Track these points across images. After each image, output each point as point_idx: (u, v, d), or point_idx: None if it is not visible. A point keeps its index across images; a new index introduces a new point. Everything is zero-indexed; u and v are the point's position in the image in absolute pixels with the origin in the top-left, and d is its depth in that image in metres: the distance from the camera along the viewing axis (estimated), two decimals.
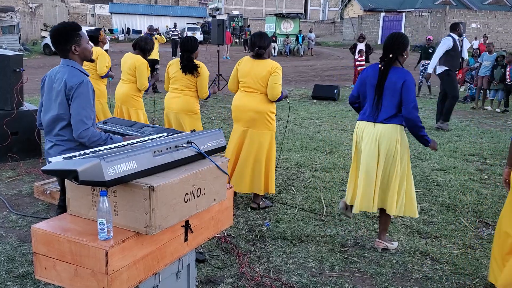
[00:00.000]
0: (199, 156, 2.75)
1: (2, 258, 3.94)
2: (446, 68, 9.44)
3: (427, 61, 14.90)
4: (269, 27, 33.52)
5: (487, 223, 4.99)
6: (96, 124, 3.34)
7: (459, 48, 9.66)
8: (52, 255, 2.35)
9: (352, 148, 4.37)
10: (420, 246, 4.38)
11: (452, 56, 9.42)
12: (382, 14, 42.21)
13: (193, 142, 2.70)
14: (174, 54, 27.48)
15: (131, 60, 6.20)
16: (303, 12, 57.10)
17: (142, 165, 2.35)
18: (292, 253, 4.19)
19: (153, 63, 13.18)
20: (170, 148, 2.56)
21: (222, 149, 3.00)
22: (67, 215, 2.56)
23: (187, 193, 2.55)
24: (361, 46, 16.01)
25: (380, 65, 4.05)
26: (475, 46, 20.89)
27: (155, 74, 7.31)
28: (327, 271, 3.91)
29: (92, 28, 6.93)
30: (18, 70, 6.71)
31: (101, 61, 6.76)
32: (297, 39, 33.72)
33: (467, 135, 9.37)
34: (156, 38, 15.08)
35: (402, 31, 39.93)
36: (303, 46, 34.11)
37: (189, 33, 41.23)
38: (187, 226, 2.72)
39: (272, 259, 4.07)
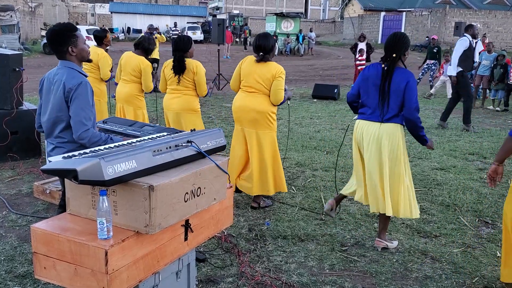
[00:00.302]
0: (199, 156, 2.75)
1: (2, 258, 3.94)
2: (461, 69, 9.34)
3: (432, 61, 14.95)
4: (270, 27, 33.51)
5: (487, 222, 4.99)
6: (96, 123, 3.33)
7: (473, 49, 9.59)
8: (51, 254, 2.35)
9: (352, 147, 4.37)
10: (420, 245, 4.38)
11: (467, 57, 9.33)
12: (383, 13, 42.18)
13: (193, 142, 2.70)
14: None
15: (135, 61, 6.17)
16: (303, 11, 57.05)
17: (141, 165, 2.35)
18: (292, 252, 4.19)
19: (153, 63, 13.17)
20: (170, 147, 2.56)
21: (222, 148, 3.00)
22: (67, 215, 2.56)
23: (187, 193, 2.55)
24: (362, 45, 16.01)
25: (383, 65, 4.04)
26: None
27: (154, 74, 7.33)
28: (327, 270, 3.91)
29: (99, 28, 6.92)
30: (17, 69, 6.71)
31: (104, 65, 6.74)
32: (297, 39, 33.72)
33: (467, 134, 9.37)
34: (156, 38, 15.08)
35: (402, 30, 39.93)
36: (304, 45, 34.10)
37: (190, 32, 41.24)
38: (187, 226, 2.72)
39: (272, 258, 4.07)
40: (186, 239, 2.74)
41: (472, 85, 13.98)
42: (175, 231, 2.64)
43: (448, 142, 8.54)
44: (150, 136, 2.98)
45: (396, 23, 40.77)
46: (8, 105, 6.67)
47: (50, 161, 2.44)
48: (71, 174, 2.17)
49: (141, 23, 47.46)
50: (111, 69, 6.98)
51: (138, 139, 2.90)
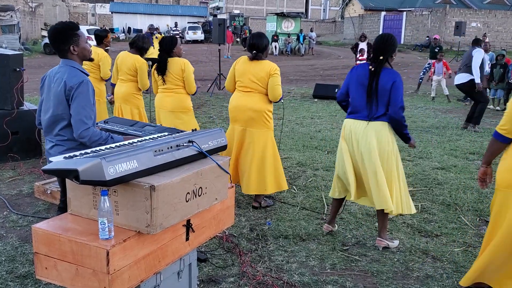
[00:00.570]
0: (201, 155, 2.74)
1: (3, 258, 3.94)
2: (473, 77, 9.46)
3: (433, 61, 14.96)
4: (270, 26, 33.52)
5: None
6: (97, 123, 3.33)
7: (484, 61, 9.97)
8: (53, 255, 2.34)
9: (339, 146, 4.39)
10: (421, 245, 4.37)
11: (480, 68, 9.55)
12: (383, 13, 42.15)
13: (194, 141, 2.70)
14: None
15: (131, 60, 6.20)
16: (304, 11, 57.07)
17: (143, 165, 2.34)
18: (293, 252, 4.19)
19: (153, 63, 13.17)
20: (171, 147, 2.56)
21: (223, 148, 3.00)
22: (68, 215, 2.55)
23: (188, 193, 2.54)
24: (362, 45, 16.01)
25: (370, 67, 4.11)
26: None
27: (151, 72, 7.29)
28: (329, 270, 3.91)
29: (99, 28, 6.92)
30: (18, 69, 6.71)
31: (104, 64, 6.76)
32: (298, 39, 33.72)
33: (468, 133, 9.37)
34: (156, 38, 15.08)
35: (403, 30, 39.95)
36: (304, 45, 34.09)
37: (190, 32, 41.28)
38: (188, 226, 2.71)
39: (273, 258, 4.07)
40: (187, 239, 2.74)
41: None
42: (177, 231, 2.64)
43: (449, 142, 8.54)
44: (151, 136, 2.97)
45: (397, 22, 40.75)
46: (8, 106, 6.67)
47: (51, 161, 2.44)
48: (73, 174, 2.17)
49: (141, 23, 47.47)
50: (111, 68, 7.00)
51: (139, 139, 2.90)
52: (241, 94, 5.00)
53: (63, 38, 3.17)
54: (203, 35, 41.65)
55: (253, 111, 4.92)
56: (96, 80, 6.75)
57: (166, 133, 3.11)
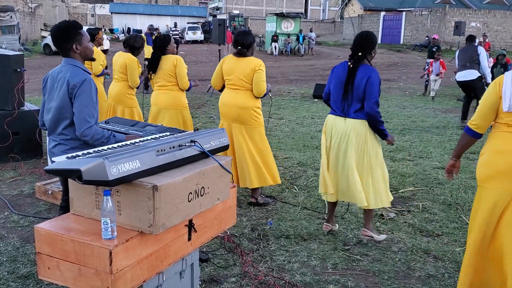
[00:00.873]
0: (203, 155, 2.75)
1: (4, 259, 3.94)
2: (480, 74, 9.55)
3: (431, 60, 14.95)
4: (270, 27, 33.50)
5: None
6: (98, 123, 3.33)
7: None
8: (55, 255, 2.35)
9: (321, 142, 4.45)
10: (422, 244, 4.37)
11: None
12: (382, 13, 42.16)
13: (196, 141, 2.70)
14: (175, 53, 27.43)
15: (122, 58, 6.26)
16: (303, 11, 57.04)
17: (145, 164, 2.35)
18: (295, 252, 4.19)
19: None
20: (173, 147, 2.56)
21: (225, 148, 3.00)
22: (70, 215, 2.56)
23: (190, 192, 2.54)
24: None
25: (349, 63, 4.19)
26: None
27: (144, 71, 7.28)
28: (330, 269, 3.91)
29: (93, 27, 6.96)
30: (19, 70, 6.71)
31: (96, 60, 6.77)
32: (297, 39, 33.70)
33: None
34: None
35: (402, 30, 39.95)
36: (304, 45, 34.07)
37: (190, 33, 41.25)
38: (190, 225, 2.71)
39: (275, 258, 4.06)
40: (189, 239, 2.74)
41: None
42: (179, 231, 2.64)
43: (449, 141, 8.53)
44: (153, 136, 2.97)
45: (396, 22, 40.77)
46: (9, 106, 6.67)
47: (53, 160, 2.44)
48: (75, 174, 2.17)
49: (141, 23, 47.43)
50: (106, 67, 7.02)
51: (142, 138, 2.90)
52: (230, 91, 5.10)
53: (66, 37, 3.18)
54: (202, 35, 41.63)
55: (240, 109, 5.00)
56: (94, 79, 6.75)
57: (167, 133, 3.11)
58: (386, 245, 4.37)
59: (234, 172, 5.14)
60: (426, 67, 15.13)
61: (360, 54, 4.13)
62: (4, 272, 3.71)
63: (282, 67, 24.78)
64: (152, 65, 5.50)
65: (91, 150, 2.53)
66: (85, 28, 3.52)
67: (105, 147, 2.67)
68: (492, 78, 12.64)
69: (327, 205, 4.83)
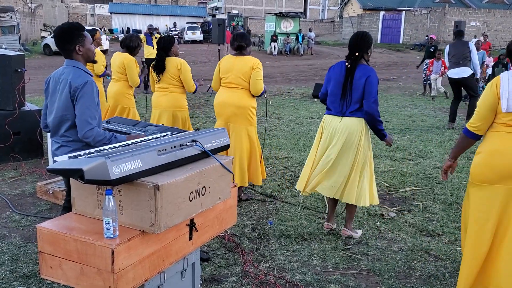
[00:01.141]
0: (204, 155, 2.75)
1: (6, 258, 3.95)
2: (472, 72, 9.50)
3: (429, 60, 14.94)
4: (269, 26, 33.47)
5: None
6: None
7: None
8: (58, 254, 2.35)
9: (315, 140, 4.50)
10: (423, 244, 4.38)
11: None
12: (382, 13, 42.16)
13: (197, 141, 2.71)
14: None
15: (120, 59, 6.28)
16: (302, 11, 57.03)
17: (147, 164, 2.35)
18: (295, 251, 4.20)
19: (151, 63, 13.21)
20: (174, 147, 2.57)
21: (226, 147, 3.01)
22: (72, 214, 2.56)
23: (192, 192, 2.55)
24: None
25: (347, 63, 4.23)
26: (474, 44, 20.90)
27: (143, 68, 7.28)
28: (331, 269, 3.92)
29: (90, 27, 6.96)
30: (20, 70, 6.72)
31: (98, 60, 6.80)
32: (297, 38, 33.69)
33: None
34: (156, 38, 15.09)
35: (402, 29, 39.94)
36: (303, 45, 34.08)
37: (189, 33, 41.22)
38: (192, 225, 2.72)
39: (275, 257, 4.07)
40: (191, 238, 2.75)
41: None
42: (180, 230, 2.65)
43: (450, 141, 8.55)
44: (154, 136, 2.98)
45: (396, 22, 40.76)
46: (10, 106, 6.68)
47: (55, 161, 2.45)
48: (77, 173, 2.18)
49: (140, 23, 47.42)
50: (106, 67, 7.05)
51: (143, 138, 2.91)
52: (226, 90, 5.13)
53: (69, 38, 3.19)
54: (202, 35, 41.60)
55: (236, 107, 5.04)
56: (95, 80, 6.77)
57: (168, 133, 3.12)
58: (387, 244, 4.38)
59: None
60: (425, 67, 15.12)
61: (357, 54, 4.18)
62: (6, 272, 3.72)
63: (281, 66, 24.79)
64: (158, 66, 5.47)
65: (92, 150, 2.54)
66: None
67: (106, 147, 2.68)
68: (493, 77, 12.69)
69: (327, 204, 4.85)
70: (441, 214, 5.10)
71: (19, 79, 6.73)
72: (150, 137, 2.93)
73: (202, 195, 2.65)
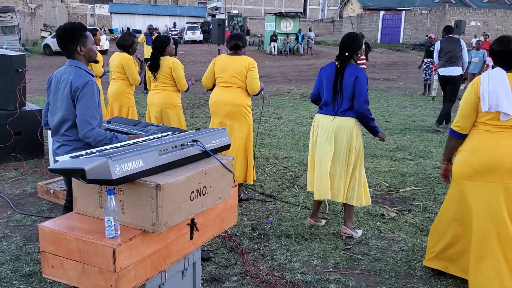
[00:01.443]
0: (205, 155, 2.77)
1: (8, 257, 3.96)
2: (462, 72, 9.35)
3: (429, 59, 14.92)
4: (269, 26, 33.47)
5: None
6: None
7: None
8: (59, 253, 2.36)
9: (310, 140, 4.56)
10: (423, 244, 4.39)
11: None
12: (382, 12, 42.17)
13: (198, 141, 2.72)
14: (174, 54, 27.47)
15: (118, 58, 6.32)
16: (302, 11, 57.04)
17: (148, 164, 2.36)
18: (295, 251, 4.21)
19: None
20: (175, 146, 2.58)
21: (227, 147, 3.02)
22: (74, 214, 2.57)
23: (193, 191, 2.56)
24: None
25: (337, 63, 4.31)
26: (474, 44, 20.90)
27: (142, 64, 7.25)
28: (331, 269, 3.92)
29: (90, 27, 6.95)
30: (20, 70, 6.73)
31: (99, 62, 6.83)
32: (296, 38, 33.70)
33: None
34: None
35: (402, 29, 39.95)
36: (303, 45, 34.09)
37: (189, 33, 41.24)
38: (192, 224, 2.73)
39: (276, 257, 4.08)
40: (191, 237, 2.76)
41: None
42: (181, 230, 2.66)
43: None
44: (155, 136, 2.99)
45: (396, 22, 40.77)
46: (11, 106, 6.69)
47: (56, 160, 2.46)
48: (79, 173, 2.19)
49: (140, 23, 47.47)
50: (103, 65, 7.06)
51: (144, 138, 2.92)
52: (222, 89, 5.18)
53: (71, 38, 3.21)
54: (201, 35, 41.62)
55: (232, 106, 5.09)
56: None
57: (169, 133, 3.13)
58: (387, 244, 4.39)
59: None
60: (424, 66, 15.11)
61: (347, 54, 4.26)
62: (8, 271, 3.73)
63: (281, 66, 24.81)
64: (153, 65, 5.60)
65: (94, 150, 2.55)
66: None
67: (108, 147, 2.69)
68: None
69: (326, 204, 4.86)
70: None
71: (20, 79, 6.75)
72: (151, 137, 2.94)
73: (203, 194, 2.66)
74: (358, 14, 45.81)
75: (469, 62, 13.03)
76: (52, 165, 2.37)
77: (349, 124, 4.24)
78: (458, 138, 3.52)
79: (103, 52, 8.26)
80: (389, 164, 6.95)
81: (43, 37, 34.53)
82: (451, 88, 9.39)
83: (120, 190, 2.38)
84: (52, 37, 27.55)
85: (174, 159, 2.54)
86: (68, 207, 3.32)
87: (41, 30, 39.19)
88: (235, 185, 3.17)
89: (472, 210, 3.43)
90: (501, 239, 3.35)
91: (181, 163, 2.60)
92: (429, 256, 3.83)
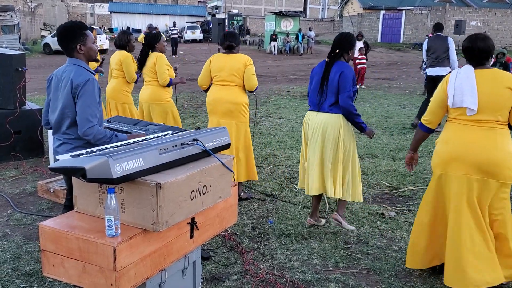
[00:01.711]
0: (205, 154, 2.77)
1: (8, 256, 3.97)
2: (450, 71, 9.22)
3: None
4: (269, 26, 33.47)
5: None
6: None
7: None
8: (60, 252, 2.37)
9: (302, 137, 4.62)
10: None
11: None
12: (382, 12, 42.17)
13: (198, 140, 2.73)
14: (174, 53, 27.50)
15: (116, 56, 6.36)
16: (302, 10, 57.06)
17: (148, 163, 2.37)
18: (295, 250, 4.21)
19: None
20: (176, 145, 2.58)
21: (227, 146, 3.03)
22: (74, 213, 2.58)
23: (193, 190, 2.56)
24: (359, 44, 15.99)
25: (327, 59, 4.39)
26: None
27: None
28: (331, 268, 3.93)
29: (98, 28, 7.00)
30: (20, 69, 6.74)
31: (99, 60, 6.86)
32: (297, 38, 33.70)
33: None
34: None
35: (402, 29, 39.95)
36: (303, 44, 34.09)
37: (189, 32, 41.26)
38: (193, 223, 2.74)
39: (276, 256, 4.09)
40: (192, 236, 2.76)
41: None
42: (181, 228, 2.66)
43: None
44: (155, 135, 3.00)
45: (396, 21, 40.77)
46: (11, 105, 6.69)
47: (57, 159, 2.46)
48: (79, 172, 2.19)
49: (140, 23, 47.47)
50: (101, 65, 7.07)
51: (144, 137, 2.92)
52: (219, 88, 5.18)
53: (71, 37, 3.21)
54: (201, 34, 41.63)
55: (231, 104, 5.10)
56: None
57: (169, 132, 3.13)
58: (387, 244, 4.40)
59: None
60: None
61: (337, 51, 4.33)
62: (8, 270, 3.74)
63: (281, 66, 24.80)
64: (140, 61, 5.81)
65: (94, 149, 2.55)
66: None
67: (108, 146, 2.69)
68: None
69: (326, 204, 4.87)
70: None
71: (20, 78, 6.75)
72: (151, 136, 2.95)
73: (203, 193, 2.66)
74: (358, 13, 45.81)
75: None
76: (52, 164, 2.37)
77: (336, 121, 4.28)
78: (425, 132, 3.74)
79: (103, 51, 8.27)
80: (389, 164, 6.96)
81: (43, 36, 34.56)
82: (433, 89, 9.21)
83: (121, 189, 2.39)
84: (52, 36, 27.57)
85: (174, 158, 2.54)
86: (68, 206, 3.33)
87: (41, 29, 39.21)
88: (235, 184, 3.18)
89: (445, 200, 3.57)
90: (463, 228, 3.44)
91: (182, 162, 2.61)
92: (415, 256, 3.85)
